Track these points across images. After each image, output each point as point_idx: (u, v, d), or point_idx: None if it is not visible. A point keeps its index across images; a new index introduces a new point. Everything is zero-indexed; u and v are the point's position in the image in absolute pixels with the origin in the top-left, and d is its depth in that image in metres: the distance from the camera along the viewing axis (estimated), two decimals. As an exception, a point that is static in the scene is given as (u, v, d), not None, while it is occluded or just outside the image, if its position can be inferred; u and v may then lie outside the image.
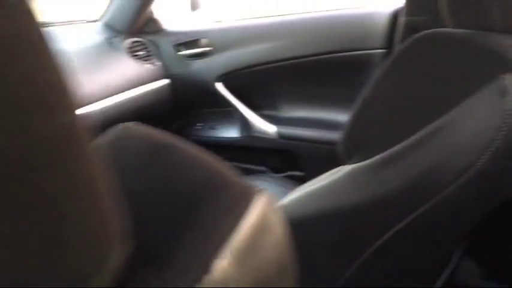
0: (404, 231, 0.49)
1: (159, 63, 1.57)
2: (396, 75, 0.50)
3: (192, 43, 1.54)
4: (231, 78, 1.47)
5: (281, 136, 1.36)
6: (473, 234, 1.02)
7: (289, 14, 1.39)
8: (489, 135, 0.43)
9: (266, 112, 1.45)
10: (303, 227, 0.51)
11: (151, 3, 1.52)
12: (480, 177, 0.45)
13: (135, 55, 1.52)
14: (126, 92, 1.39)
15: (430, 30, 0.51)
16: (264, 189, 0.34)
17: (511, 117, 0.43)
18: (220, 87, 1.49)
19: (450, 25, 0.51)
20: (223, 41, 1.48)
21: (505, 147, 0.44)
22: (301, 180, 1.12)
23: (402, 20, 0.97)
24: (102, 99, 1.27)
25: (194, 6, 1.99)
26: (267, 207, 0.33)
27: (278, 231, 0.34)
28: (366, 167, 0.50)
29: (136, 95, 1.43)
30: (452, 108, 0.44)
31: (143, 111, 1.44)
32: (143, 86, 1.47)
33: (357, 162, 0.51)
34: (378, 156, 0.49)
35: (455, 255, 0.80)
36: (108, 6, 1.56)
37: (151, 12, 1.59)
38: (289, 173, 1.43)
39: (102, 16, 1.59)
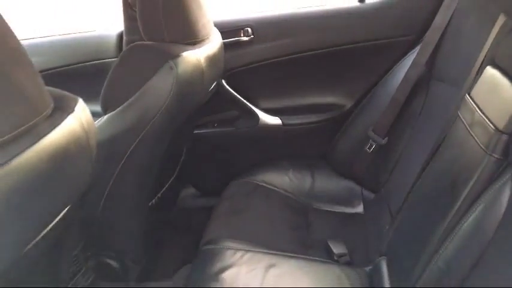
0: (138, 146, 1.05)
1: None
2: (123, 68, 1.08)
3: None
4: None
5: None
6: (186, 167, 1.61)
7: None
8: (166, 91, 1.01)
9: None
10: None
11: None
12: (167, 113, 1.03)
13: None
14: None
15: (133, 44, 1.09)
16: None
17: (176, 80, 1.01)
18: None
19: (146, 39, 1.11)
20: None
21: (176, 95, 1.01)
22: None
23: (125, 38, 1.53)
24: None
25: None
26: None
27: None
28: (112, 115, 1.06)
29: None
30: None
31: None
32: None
33: (110, 113, 1.07)
34: (118, 109, 1.05)
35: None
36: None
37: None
38: None
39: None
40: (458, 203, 0.76)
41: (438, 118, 1.10)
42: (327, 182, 1.53)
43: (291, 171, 1.54)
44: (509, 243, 0.65)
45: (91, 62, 1.62)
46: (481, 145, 0.74)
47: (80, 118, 0.63)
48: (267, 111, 1.66)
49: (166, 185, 1.39)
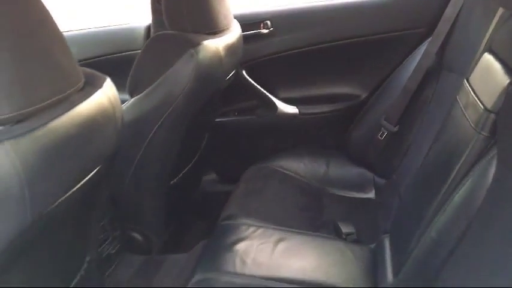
0: (161, 126, 1.16)
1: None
2: (148, 56, 1.19)
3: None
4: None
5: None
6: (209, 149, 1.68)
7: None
8: (187, 76, 1.12)
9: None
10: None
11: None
12: (187, 96, 1.14)
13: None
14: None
15: (158, 33, 1.20)
16: None
17: (197, 66, 1.13)
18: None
19: (170, 29, 1.20)
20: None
21: (196, 80, 1.12)
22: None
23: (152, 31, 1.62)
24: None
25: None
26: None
27: None
28: (137, 98, 1.16)
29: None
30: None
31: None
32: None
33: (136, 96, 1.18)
34: (140, 94, 1.16)
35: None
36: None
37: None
38: None
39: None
40: (451, 178, 0.82)
41: (447, 107, 1.13)
42: (341, 169, 1.59)
43: (306, 158, 1.62)
44: (494, 214, 0.70)
45: (121, 53, 1.74)
46: (472, 124, 0.80)
47: (107, 93, 0.72)
48: (285, 100, 1.74)
49: (188, 167, 1.49)
